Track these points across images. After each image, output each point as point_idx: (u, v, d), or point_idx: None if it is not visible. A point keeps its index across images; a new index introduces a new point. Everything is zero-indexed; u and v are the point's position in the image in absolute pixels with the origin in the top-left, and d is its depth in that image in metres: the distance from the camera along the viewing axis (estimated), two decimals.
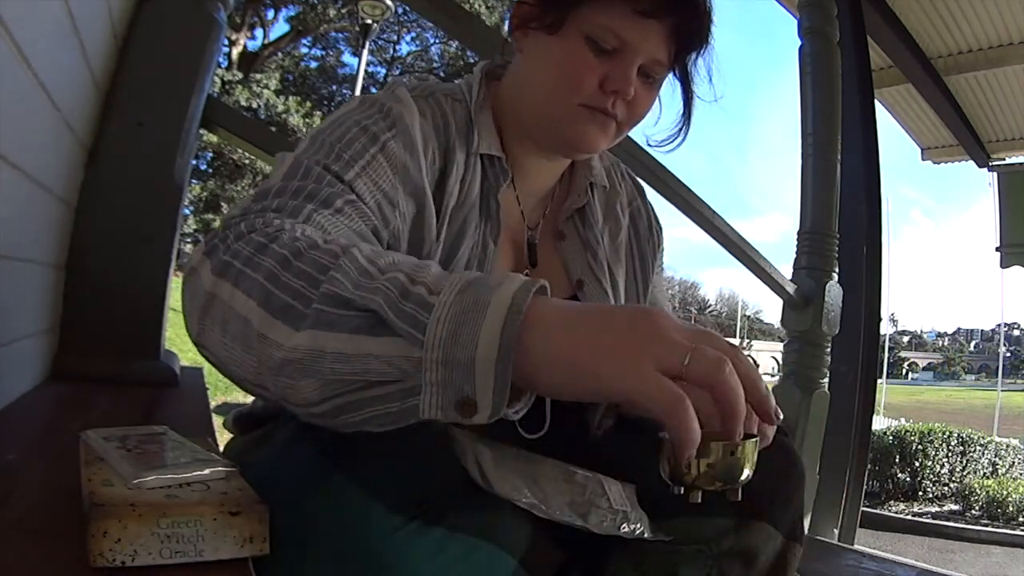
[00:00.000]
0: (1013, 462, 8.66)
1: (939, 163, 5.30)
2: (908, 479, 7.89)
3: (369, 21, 9.18)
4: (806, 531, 0.71)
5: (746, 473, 0.47)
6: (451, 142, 0.69)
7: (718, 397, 0.41)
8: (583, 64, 0.67)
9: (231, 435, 0.76)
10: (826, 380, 2.61)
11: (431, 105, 0.70)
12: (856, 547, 2.70)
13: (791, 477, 0.67)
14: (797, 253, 2.61)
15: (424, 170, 0.65)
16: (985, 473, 8.19)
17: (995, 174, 5.26)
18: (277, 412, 0.68)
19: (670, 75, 0.74)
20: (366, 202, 0.59)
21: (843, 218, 2.70)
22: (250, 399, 0.71)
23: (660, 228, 0.88)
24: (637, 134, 0.79)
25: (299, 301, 0.44)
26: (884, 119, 3.99)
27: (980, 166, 5.03)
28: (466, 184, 0.70)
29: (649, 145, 0.80)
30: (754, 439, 0.47)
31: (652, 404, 0.40)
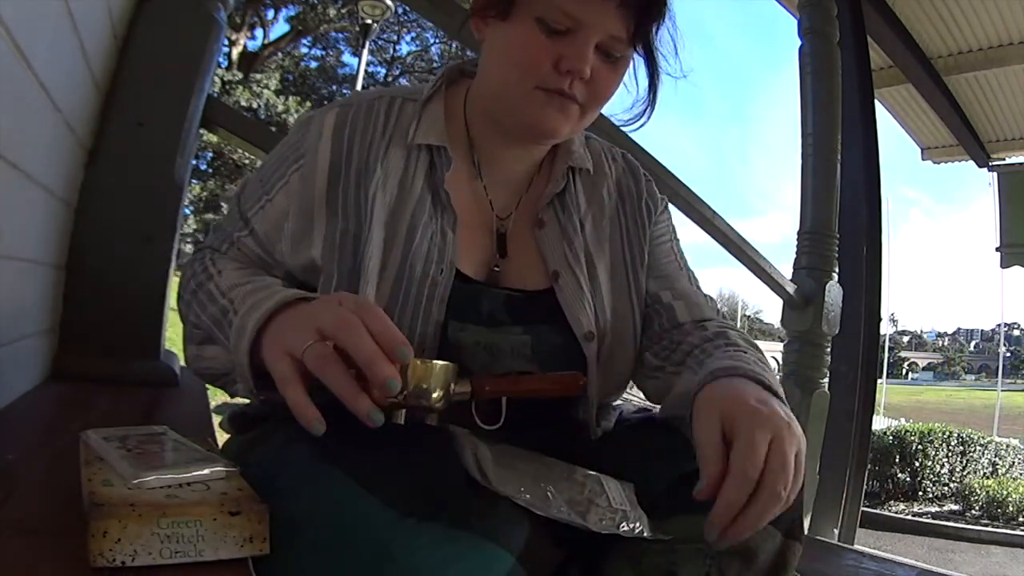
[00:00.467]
0: (1013, 462, 8.66)
1: (939, 163, 5.30)
2: (908, 479, 7.88)
3: (369, 21, 9.17)
4: (806, 531, 0.71)
5: (437, 392, 0.56)
6: (381, 144, 0.72)
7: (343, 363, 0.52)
8: (535, 46, 0.67)
9: (228, 435, 0.77)
10: (826, 380, 2.61)
11: (367, 116, 0.73)
12: (856, 547, 2.70)
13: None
14: (797, 253, 2.61)
15: (322, 188, 0.71)
16: (985, 473, 8.19)
17: (995, 174, 5.26)
18: (271, 411, 0.69)
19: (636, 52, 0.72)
20: (257, 232, 0.73)
21: (843, 218, 2.70)
22: (245, 400, 0.73)
23: (655, 204, 0.85)
24: (637, 134, 0.79)
25: (190, 326, 0.69)
26: (884, 119, 4.00)
27: (980, 166, 5.03)
28: (408, 175, 0.72)
29: (616, 125, 0.79)
30: (432, 363, 0.56)
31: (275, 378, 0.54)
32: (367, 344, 0.51)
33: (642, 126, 0.80)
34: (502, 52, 0.70)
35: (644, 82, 0.76)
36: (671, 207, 0.91)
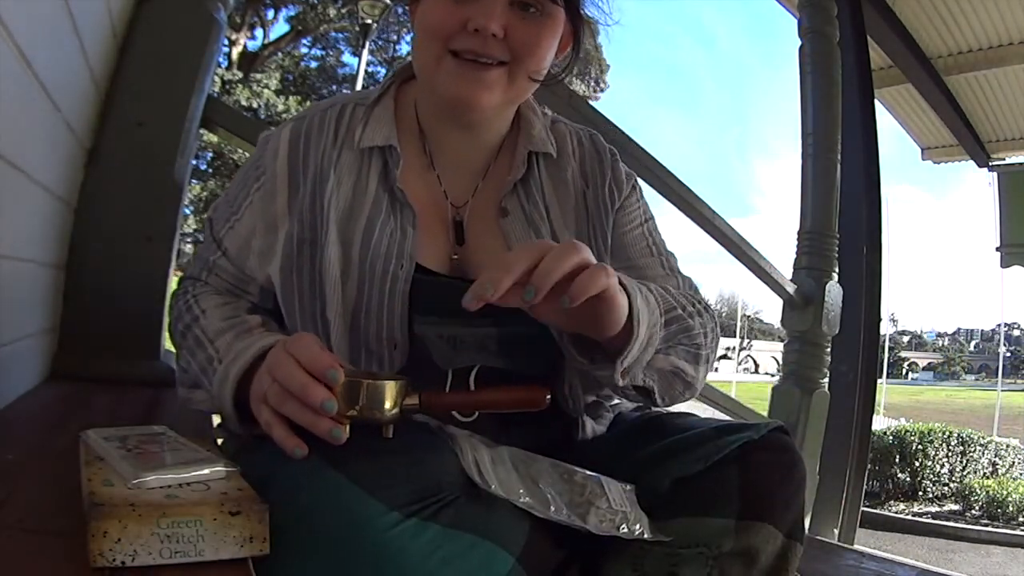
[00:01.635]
0: (1013, 462, 8.65)
1: (939, 163, 5.30)
2: (908, 479, 7.88)
3: (369, 21, 9.17)
4: (806, 531, 0.71)
5: (388, 406, 0.58)
6: (333, 152, 0.73)
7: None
8: (442, 11, 0.67)
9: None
10: (826, 380, 2.61)
11: (318, 127, 0.75)
12: (856, 547, 2.69)
13: (792, 477, 0.66)
14: (797, 253, 2.61)
15: (283, 203, 0.73)
16: (985, 473, 8.19)
17: (995, 174, 5.26)
18: None
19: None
20: (229, 252, 0.76)
21: (843, 218, 2.70)
22: None
23: (620, 188, 0.81)
24: (637, 134, 0.77)
25: (180, 370, 0.73)
26: (884, 119, 4.00)
27: (980, 166, 5.03)
28: (362, 179, 0.73)
29: (532, 79, 0.72)
30: (381, 382, 0.58)
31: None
32: (297, 376, 0.55)
33: (564, 77, 0.80)
34: (418, 28, 0.70)
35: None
36: (671, 207, 0.89)
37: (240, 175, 0.78)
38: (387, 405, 0.58)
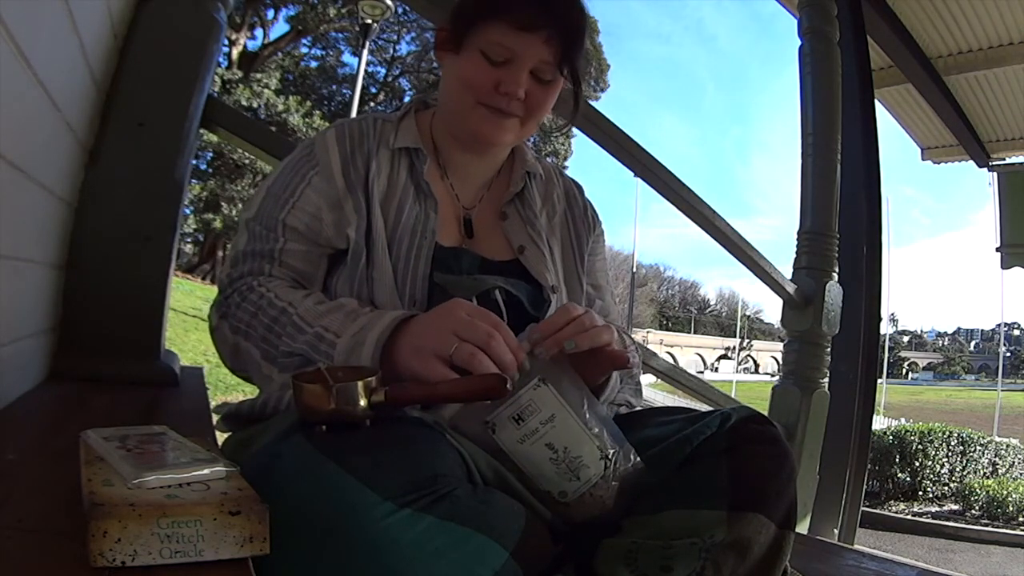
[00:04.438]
0: (1013, 462, 8.66)
1: (939, 163, 5.30)
2: (908, 479, 7.89)
3: (369, 21, 9.16)
4: (806, 531, 0.72)
5: (361, 403, 0.61)
6: (373, 148, 0.88)
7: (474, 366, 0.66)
8: (479, 72, 0.83)
9: (224, 433, 0.81)
10: (826, 380, 2.61)
11: (359, 131, 0.89)
12: (856, 547, 2.69)
13: (783, 468, 0.68)
14: (797, 253, 2.61)
15: (341, 183, 0.85)
16: (985, 473, 8.19)
17: (995, 174, 5.25)
18: (263, 411, 0.75)
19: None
20: (298, 228, 0.85)
21: (843, 218, 2.69)
22: (240, 397, 0.76)
23: (596, 216, 1.03)
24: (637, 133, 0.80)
25: (274, 355, 0.78)
26: (884, 119, 3.99)
27: (980, 166, 5.02)
28: (395, 172, 0.88)
29: (545, 131, 0.97)
30: (352, 383, 0.61)
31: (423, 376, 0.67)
32: (484, 329, 0.67)
33: (569, 127, 1.10)
34: (455, 77, 0.86)
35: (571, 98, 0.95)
36: (671, 207, 0.97)
37: (284, 174, 0.88)
38: (361, 404, 0.61)
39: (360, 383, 0.61)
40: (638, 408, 0.89)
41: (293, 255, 0.85)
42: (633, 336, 0.96)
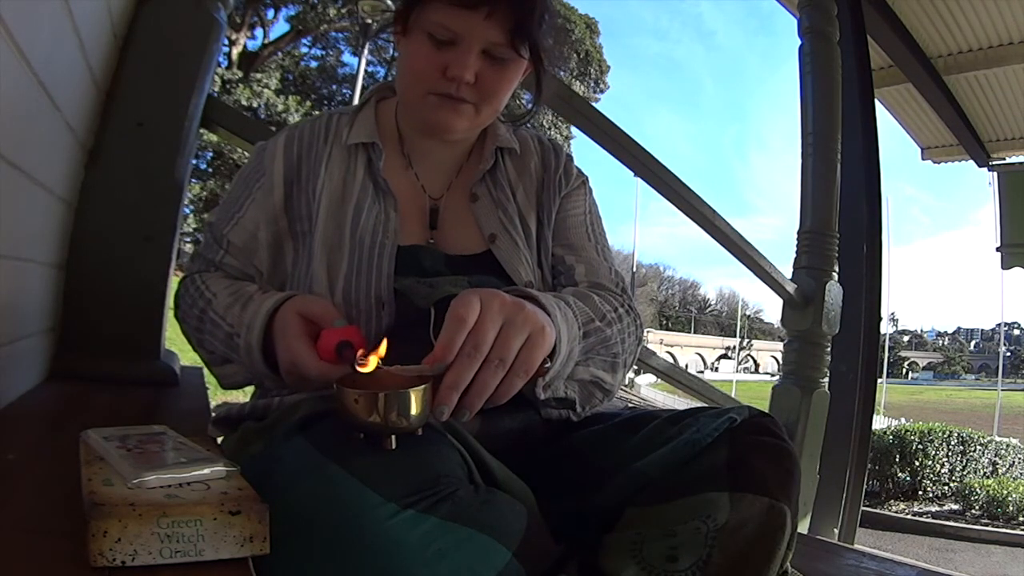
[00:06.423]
0: (1013, 462, 8.66)
1: (939, 163, 5.30)
2: (908, 479, 7.89)
3: (369, 21, 9.17)
4: (806, 531, 0.71)
5: (414, 412, 0.56)
6: (323, 151, 0.85)
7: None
8: (425, 57, 0.78)
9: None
10: (826, 380, 2.61)
11: (310, 133, 0.86)
12: (856, 547, 2.69)
13: (784, 453, 0.68)
14: (797, 253, 2.61)
15: (280, 198, 0.83)
16: (985, 473, 8.19)
17: (995, 174, 5.25)
18: (252, 415, 0.76)
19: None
20: (234, 246, 0.83)
21: (843, 218, 2.69)
22: (233, 400, 0.78)
23: (568, 178, 0.93)
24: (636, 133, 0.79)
25: (208, 350, 0.80)
26: (884, 119, 3.99)
27: (980, 166, 5.02)
28: (350, 171, 0.84)
29: (502, 119, 0.91)
30: (409, 389, 0.56)
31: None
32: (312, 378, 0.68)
33: (532, 115, 0.95)
34: (404, 63, 0.81)
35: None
36: (671, 206, 0.94)
37: (239, 181, 0.87)
38: (414, 412, 0.56)
39: (413, 392, 0.56)
40: (611, 384, 0.84)
41: (232, 268, 0.84)
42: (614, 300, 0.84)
